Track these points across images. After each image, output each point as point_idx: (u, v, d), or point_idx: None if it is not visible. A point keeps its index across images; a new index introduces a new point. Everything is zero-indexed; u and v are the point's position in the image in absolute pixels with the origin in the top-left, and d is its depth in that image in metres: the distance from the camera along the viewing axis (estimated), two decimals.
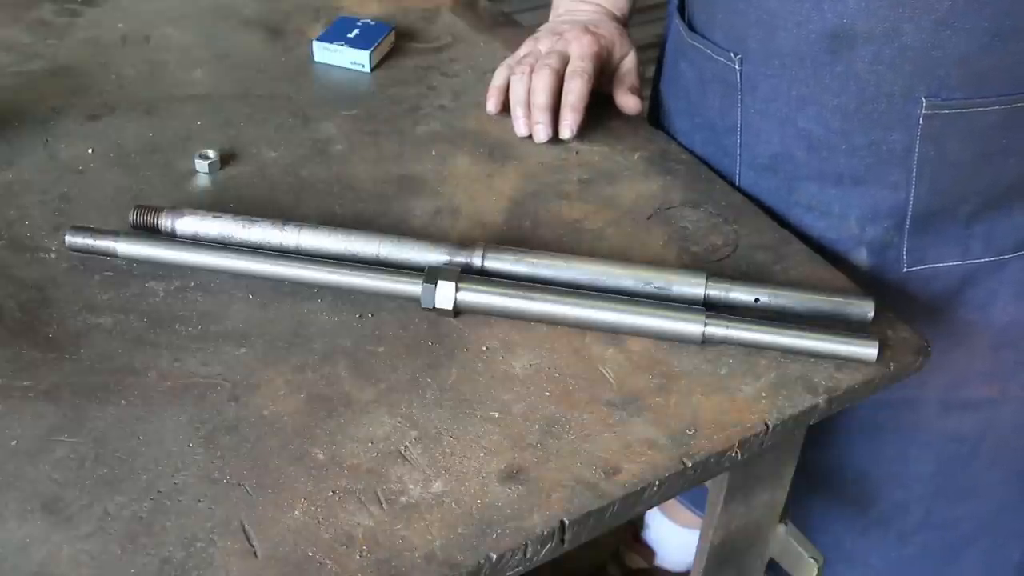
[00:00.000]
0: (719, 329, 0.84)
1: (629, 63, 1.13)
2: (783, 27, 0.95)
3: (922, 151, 0.96)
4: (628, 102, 1.10)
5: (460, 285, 0.86)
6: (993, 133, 0.95)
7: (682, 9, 1.12)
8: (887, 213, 1.01)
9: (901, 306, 1.03)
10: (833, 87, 0.95)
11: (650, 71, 1.26)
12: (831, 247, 1.03)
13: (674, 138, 1.12)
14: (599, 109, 1.13)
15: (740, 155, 1.06)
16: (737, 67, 1.01)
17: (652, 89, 1.24)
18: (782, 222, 1.01)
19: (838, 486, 1.20)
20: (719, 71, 1.04)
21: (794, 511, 1.18)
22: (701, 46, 1.05)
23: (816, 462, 1.18)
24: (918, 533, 1.22)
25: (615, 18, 1.15)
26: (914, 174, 0.97)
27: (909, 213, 1.00)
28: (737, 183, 1.07)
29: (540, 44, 1.11)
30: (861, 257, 1.04)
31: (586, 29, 1.09)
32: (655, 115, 1.21)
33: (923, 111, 0.93)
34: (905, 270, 1.04)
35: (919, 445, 1.15)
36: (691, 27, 1.08)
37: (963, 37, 0.89)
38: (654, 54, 1.24)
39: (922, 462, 1.16)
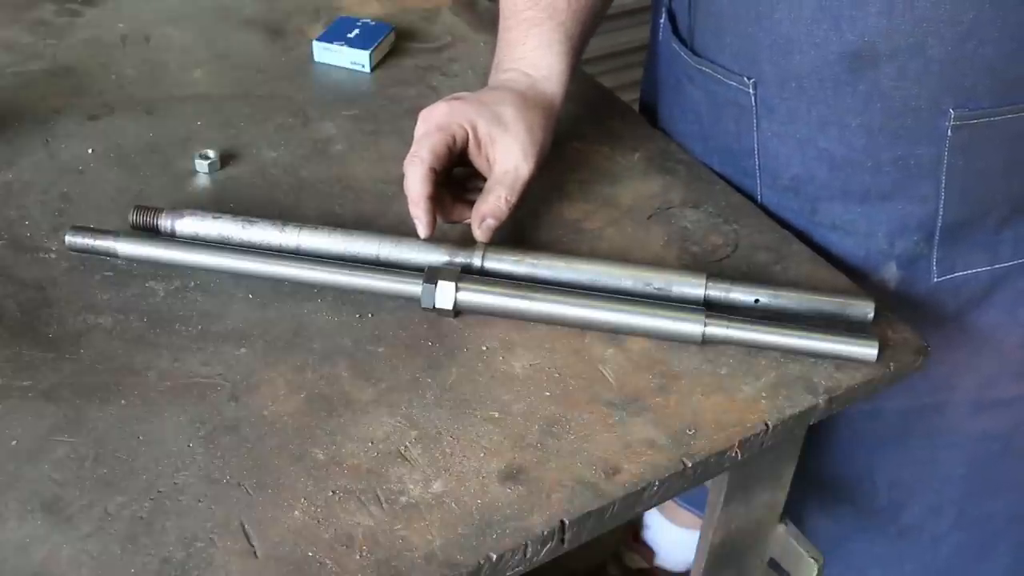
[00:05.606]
0: (719, 329, 0.84)
1: (502, 169, 0.92)
2: (799, 50, 0.92)
3: (951, 162, 0.94)
4: (476, 232, 0.92)
5: (460, 285, 0.86)
6: (1022, 139, 0.94)
7: (676, 32, 1.07)
8: (916, 227, 0.99)
9: (930, 314, 1.02)
10: (856, 106, 0.93)
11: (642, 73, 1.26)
12: (860, 265, 1.01)
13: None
14: (599, 109, 1.13)
15: (760, 177, 1.03)
16: (751, 91, 0.98)
17: (645, 98, 1.23)
18: (808, 242, 1.00)
19: (868, 497, 1.19)
20: (731, 95, 1.00)
21: (828, 528, 1.17)
22: (709, 71, 1.02)
23: (848, 476, 1.17)
24: (951, 534, 1.20)
25: (529, 86, 0.97)
26: (943, 186, 0.96)
27: (939, 224, 0.98)
28: (759, 203, 1.04)
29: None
30: (891, 272, 1.02)
31: (448, 101, 0.95)
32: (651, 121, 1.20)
33: (951, 123, 0.91)
34: (935, 280, 1.02)
35: (950, 447, 1.14)
36: (695, 51, 1.04)
37: (989, 47, 0.87)
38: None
39: (954, 464, 1.15)
